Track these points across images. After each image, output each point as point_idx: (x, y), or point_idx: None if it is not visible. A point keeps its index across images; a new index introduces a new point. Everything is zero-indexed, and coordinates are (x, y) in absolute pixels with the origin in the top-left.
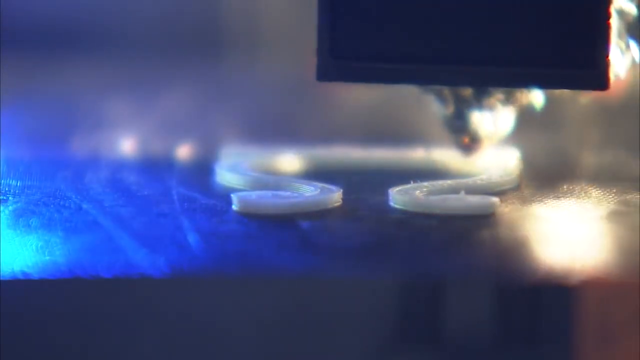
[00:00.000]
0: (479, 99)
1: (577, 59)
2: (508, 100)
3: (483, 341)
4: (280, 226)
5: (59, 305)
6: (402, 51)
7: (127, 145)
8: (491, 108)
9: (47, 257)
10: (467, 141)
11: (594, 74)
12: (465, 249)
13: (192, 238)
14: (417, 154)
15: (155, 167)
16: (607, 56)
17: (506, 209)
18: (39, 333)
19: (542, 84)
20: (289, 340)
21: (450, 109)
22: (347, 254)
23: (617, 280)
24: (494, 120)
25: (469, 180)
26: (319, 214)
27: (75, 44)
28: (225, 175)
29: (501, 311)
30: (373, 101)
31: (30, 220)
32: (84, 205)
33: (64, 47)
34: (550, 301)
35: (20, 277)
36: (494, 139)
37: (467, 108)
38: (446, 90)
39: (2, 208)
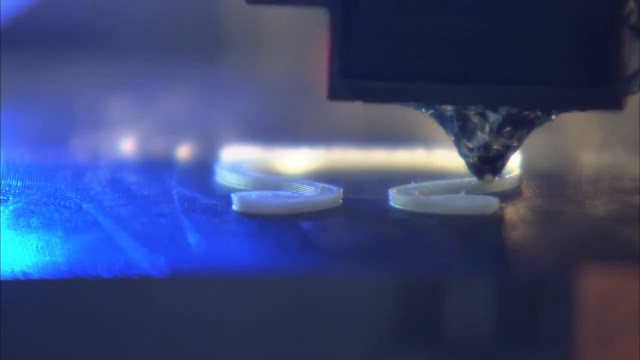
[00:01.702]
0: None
1: (589, 78)
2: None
3: (483, 341)
4: (280, 226)
5: (59, 305)
6: (413, 70)
7: (127, 145)
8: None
9: (47, 257)
10: (491, 179)
11: (607, 93)
12: (465, 248)
13: (192, 238)
14: (417, 154)
15: (155, 167)
16: (620, 75)
17: (506, 209)
18: (39, 333)
19: (554, 104)
20: (289, 340)
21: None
22: (347, 254)
23: (617, 280)
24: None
25: (469, 180)
26: (319, 214)
27: (75, 44)
28: (225, 175)
29: (501, 311)
30: None
31: (30, 220)
32: (84, 205)
33: (64, 47)
34: (550, 301)
35: (20, 277)
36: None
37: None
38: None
39: (2, 208)
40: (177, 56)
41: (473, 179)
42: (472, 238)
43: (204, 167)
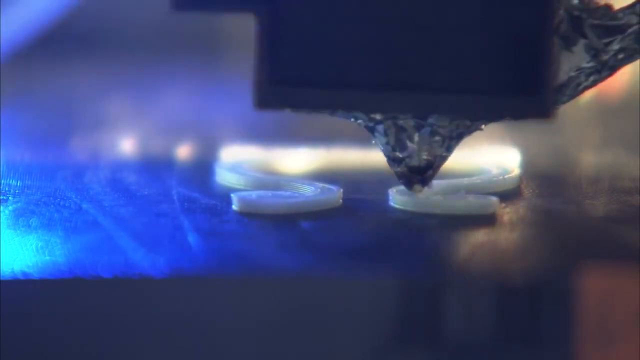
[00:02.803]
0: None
1: (520, 86)
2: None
3: (483, 341)
4: (280, 226)
5: (59, 305)
6: (342, 78)
7: (127, 145)
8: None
9: (47, 257)
10: (419, 188)
11: (537, 102)
12: (465, 248)
13: (192, 238)
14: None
15: (155, 167)
16: (550, 83)
17: (506, 209)
18: (39, 333)
19: (484, 112)
20: (289, 340)
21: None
22: (347, 254)
23: (617, 280)
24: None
25: (469, 180)
26: (319, 214)
27: (75, 43)
28: (225, 175)
29: (501, 311)
30: None
31: (30, 220)
32: (84, 205)
33: (64, 47)
34: (550, 301)
35: (20, 277)
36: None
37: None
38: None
39: (2, 208)
40: (177, 56)
41: (473, 179)
42: (472, 238)
43: (204, 167)
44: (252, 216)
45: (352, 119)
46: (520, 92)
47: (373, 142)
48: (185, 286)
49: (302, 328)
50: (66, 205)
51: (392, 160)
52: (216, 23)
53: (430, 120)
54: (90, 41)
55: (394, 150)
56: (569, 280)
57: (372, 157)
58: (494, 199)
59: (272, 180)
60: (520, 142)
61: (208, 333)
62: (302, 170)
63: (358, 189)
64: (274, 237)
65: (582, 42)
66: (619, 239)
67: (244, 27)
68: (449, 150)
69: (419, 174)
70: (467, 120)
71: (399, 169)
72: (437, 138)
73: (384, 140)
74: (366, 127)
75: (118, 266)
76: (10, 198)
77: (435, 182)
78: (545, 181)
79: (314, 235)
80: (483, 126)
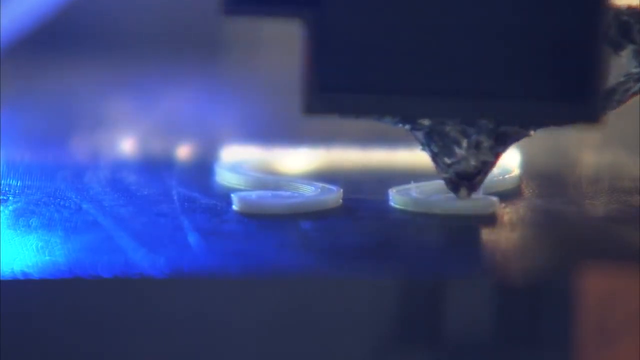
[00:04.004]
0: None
1: (569, 92)
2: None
3: (483, 341)
4: (280, 226)
5: (59, 305)
6: (391, 84)
7: (127, 145)
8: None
9: (47, 257)
10: (465, 194)
11: (586, 108)
12: (465, 248)
13: (192, 238)
14: (417, 154)
15: (155, 167)
16: (600, 89)
17: (506, 209)
18: (39, 333)
19: (533, 118)
20: (289, 340)
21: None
22: (347, 254)
23: (617, 280)
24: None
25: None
26: (319, 214)
27: (75, 43)
28: (225, 175)
29: (501, 311)
30: None
31: (30, 220)
32: (84, 205)
33: (64, 47)
34: (550, 301)
35: (20, 277)
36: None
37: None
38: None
39: (2, 208)
40: (178, 56)
41: None
42: (472, 238)
43: (204, 167)
44: (252, 216)
45: (400, 125)
46: (569, 98)
47: (420, 148)
48: (185, 286)
49: (302, 328)
50: (66, 205)
51: (439, 166)
52: (216, 23)
53: (479, 126)
54: (90, 41)
55: (441, 156)
56: (569, 280)
57: (372, 157)
58: (494, 199)
59: (272, 180)
60: (520, 142)
61: (208, 333)
62: (302, 170)
63: (358, 189)
64: (274, 237)
65: (630, 48)
66: (619, 239)
67: (244, 26)
68: (497, 157)
69: (467, 180)
70: (515, 126)
71: (446, 175)
72: (485, 144)
73: (431, 146)
74: (413, 132)
75: (118, 266)
76: (10, 198)
77: (436, 182)
78: (545, 181)
79: (314, 235)
80: (532, 132)
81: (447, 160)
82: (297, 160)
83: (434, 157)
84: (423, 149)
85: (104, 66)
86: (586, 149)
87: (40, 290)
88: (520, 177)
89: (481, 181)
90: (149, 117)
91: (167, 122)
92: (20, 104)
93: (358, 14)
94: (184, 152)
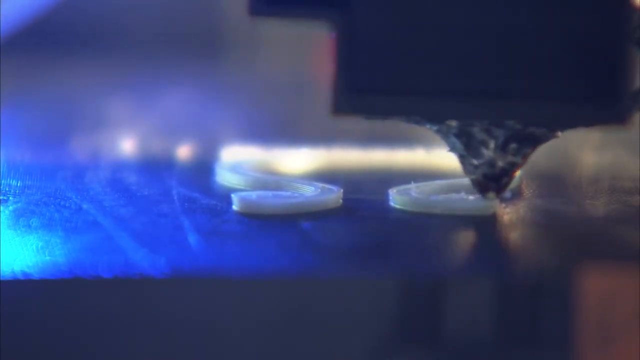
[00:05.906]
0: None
1: (596, 93)
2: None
3: (483, 341)
4: (280, 226)
5: (59, 305)
6: (418, 86)
7: (127, 145)
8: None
9: (47, 257)
10: (493, 196)
11: (614, 109)
12: (465, 248)
13: (192, 238)
14: (417, 154)
15: (155, 167)
16: (627, 90)
17: (506, 209)
18: (39, 333)
19: (561, 119)
20: (289, 340)
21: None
22: (347, 254)
23: (617, 280)
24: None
25: (469, 181)
26: (319, 214)
27: (76, 44)
28: (225, 175)
29: (501, 311)
30: None
31: (31, 220)
32: (84, 205)
33: (64, 47)
34: (550, 301)
35: (20, 277)
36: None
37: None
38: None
39: (2, 208)
40: (178, 56)
41: None
42: (472, 238)
43: (204, 167)
44: (252, 216)
45: (427, 126)
46: (597, 99)
47: (447, 149)
48: (186, 286)
49: (302, 328)
50: (66, 205)
51: (466, 167)
52: (216, 23)
53: (506, 127)
54: (91, 41)
55: (468, 157)
56: (569, 280)
57: (372, 157)
58: (494, 199)
59: (272, 181)
60: None
61: (208, 333)
62: (302, 170)
63: (358, 189)
64: (274, 237)
65: None
66: (619, 239)
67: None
68: (525, 157)
69: (494, 182)
70: (543, 127)
71: (473, 177)
72: (512, 145)
73: (458, 147)
74: (441, 134)
75: (118, 266)
76: (10, 198)
77: (436, 182)
78: (545, 181)
79: (314, 235)
80: (559, 133)
81: (475, 162)
82: (297, 161)
83: (461, 158)
84: (450, 151)
85: (104, 66)
86: (586, 149)
87: (40, 290)
88: (521, 177)
89: (508, 183)
90: (150, 117)
91: (168, 122)
92: (20, 104)
93: (386, 15)
94: (184, 152)
